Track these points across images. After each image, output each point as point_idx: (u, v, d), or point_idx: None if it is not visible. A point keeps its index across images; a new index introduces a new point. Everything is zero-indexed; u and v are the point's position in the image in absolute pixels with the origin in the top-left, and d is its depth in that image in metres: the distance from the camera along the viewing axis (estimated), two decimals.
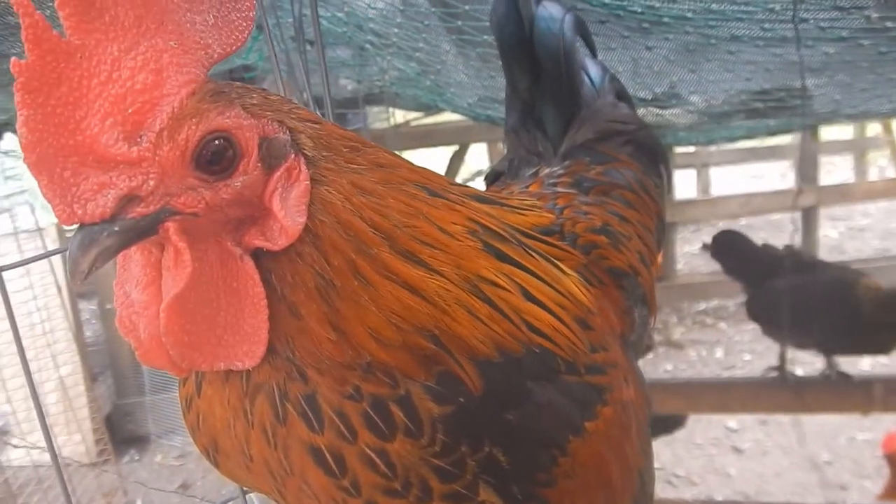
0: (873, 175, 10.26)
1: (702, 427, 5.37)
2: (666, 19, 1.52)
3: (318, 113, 1.93)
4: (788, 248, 3.83)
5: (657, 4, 1.38)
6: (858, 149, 9.22)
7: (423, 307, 0.74)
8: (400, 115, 4.91)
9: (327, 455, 0.72)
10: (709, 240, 9.97)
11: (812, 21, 1.38)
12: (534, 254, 0.91)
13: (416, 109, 4.16)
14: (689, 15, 1.45)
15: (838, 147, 9.30)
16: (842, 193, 7.04)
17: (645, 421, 1.01)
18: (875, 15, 1.33)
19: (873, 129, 9.09)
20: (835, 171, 10.53)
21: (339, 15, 2.14)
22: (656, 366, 6.29)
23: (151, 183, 0.64)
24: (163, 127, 0.64)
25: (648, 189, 1.32)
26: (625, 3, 1.43)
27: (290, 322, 0.71)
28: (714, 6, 1.35)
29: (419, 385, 0.73)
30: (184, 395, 0.85)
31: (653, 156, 1.36)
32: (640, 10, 1.48)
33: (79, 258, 0.62)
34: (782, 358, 3.55)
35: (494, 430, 0.75)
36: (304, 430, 0.72)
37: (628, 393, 0.93)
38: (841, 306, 3.29)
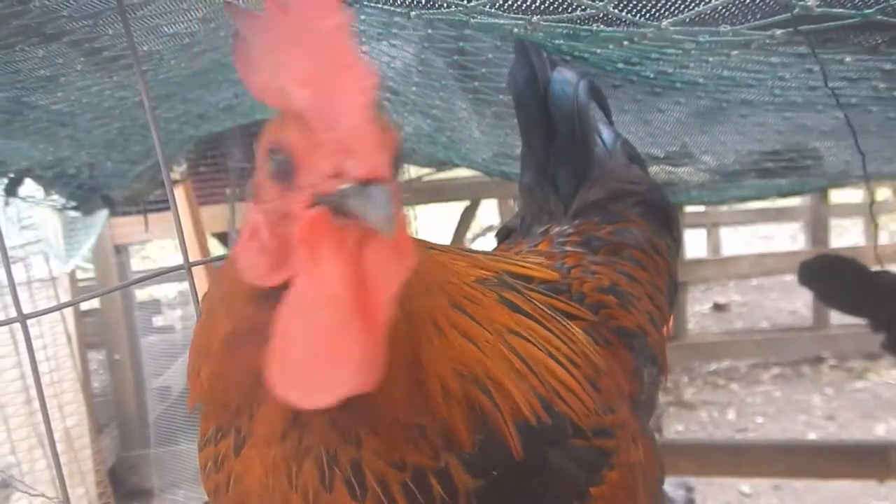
0: (884, 239, 10.25)
1: (714, 491, 5.26)
2: (678, 84, 1.57)
3: None
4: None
5: (669, 70, 1.43)
6: (867, 213, 9.23)
7: (478, 357, 0.77)
8: (413, 171, 4.98)
9: None
10: (721, 299, 9.85)
11: (821, 89, 1.42)
12: (546, 309, 0.92)
13: (430, 165, 4.23)
14: (701, 80, 1.49)
15: (848, 210, 9.31)
16: (853, 256, 7.01)
17: (656, 482, 1.00)
18: (882, 85, 1.38)
19: (883, 193, 9.11)
20: (845, 234, 10.54)
21: None
22: (667, 426, 6.21)
23: None
24: None
25: (659, 249, 1.33)
26: (637, 69, 1.48)
27: None
28: (725, 73, 1.40)
29: (456, 457, 0.74)
30: (211, 454, 0.83)
31: (664, 216, 1.38)
32: (652, 76, 1.53)
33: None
34: None
35: (519, 500, 0.76)
36: (346, 498, 0.73)
37: (636, 455, 0.93)
38: None
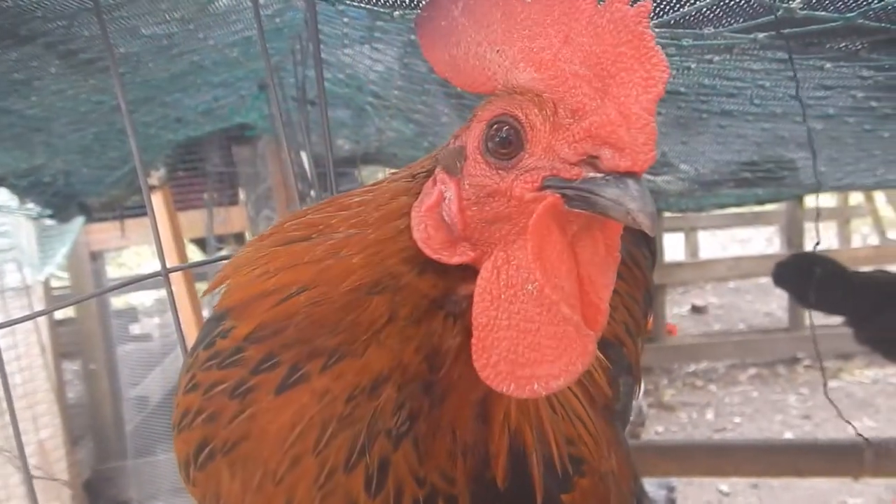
0: (856, 242, 10.43)
1: (694, 491, 5.31)
2: None
3: (316, 171, 1.97)
4: (881, 270, 3.64)
5: None
6: (842, 217, 9.40)
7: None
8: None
9: None
10: (699, 302, 9.94)
11: (801, 98, 1.44)
12: None
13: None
14: (682, 90, 1.50)
15: (823, 215, 9.49)
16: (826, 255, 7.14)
17: (629, 492, 0.99)
18: (860, 94, 1.39)
19: (856, 198, 9.29)
20: (818, 237, 10.68)
21: (341, 76, 2.20)
22: (648, 428, 6.26)
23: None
24: None
25: (637, 261, 1.35)
26: None
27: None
28: (706, 81, 1.41)
29: (469, 490, 0.73)
30: (236, 377, 0.75)
31: (641, 231, 1.38)
32: None
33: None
34: None
35: None
36: (359, 487, 0.71)
37: (609, 464, 0.92)
38: None
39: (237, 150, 4.64)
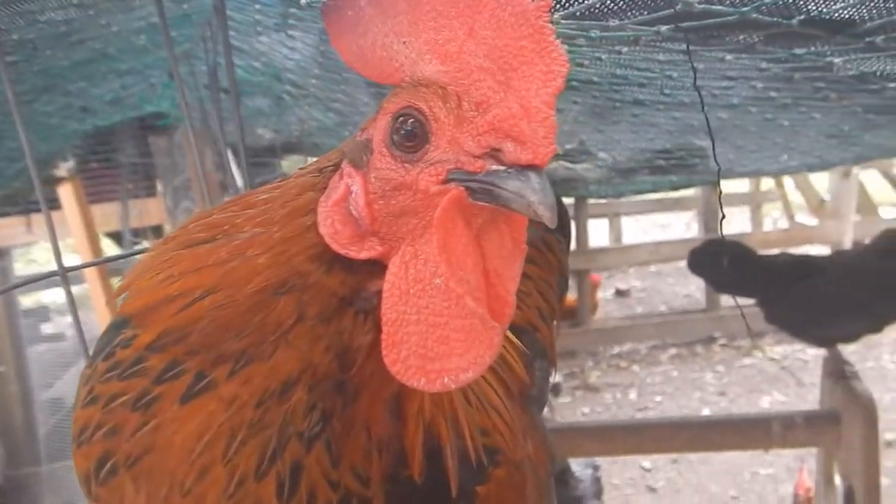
0: (768, 225, 10.91)
1: (618, 468, 5.48)
2: (574, 83, 1.60)
3: (233, 161, 1.93)
4: (786, 253, 3.80)
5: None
6: (754, 202, 9.79)
7: None
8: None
9: None
10: (623, 285, 10.21)
11: (706, 89, 1.49)
12: None
13: None
14: (596, 79, 1.53)
15: (737, 200, 9.88)
16: (736, 240, 7.44)
17: (546, 476, 1.00)
18: (760, 85, 1.45)
19: (767, 183, 9.70)
20: (734, 221, 11.12)
21: (256, 65, 2.15)
22: (574, 409, 6.40)
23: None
24: None
25: (552, 246, 1.36)
26: None
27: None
28: (617, 71, 1.44)
29: (383, 491, 0.72)
30: (138, 388, 0.71)
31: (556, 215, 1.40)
32: None
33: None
34: None
35: None
36: (271, 495, 0.69)
37: (525, 451, 0.93)
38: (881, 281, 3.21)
39: (153, 139, 4.49)
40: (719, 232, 1.48)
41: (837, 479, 3.42)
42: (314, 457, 0.69)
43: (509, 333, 1.07)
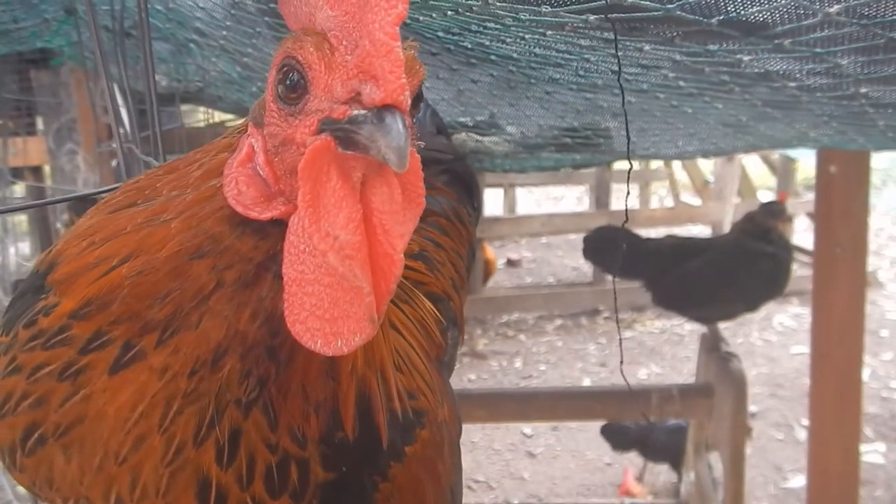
0: (654, 203, 11.43)
1: (500, 434, 5.66)
2: (493, 57, 1.61)
3: (132, 109, 1.82)
4: (670, 236, 3.95)
5: (487, 43, 1.46)
6: (643, 179, 10.22)
7: (379, 340, 0.75)
8: (217, 116, 4.73)
9: (214, 492, 0.68)
10: (514, 255, 10.42)
11: (621, 73, 1.53)
12: None
13: (236, 112, 4.04)
14: (515, 55, 1.55)
15: (626, 176, 10.26)
16: (628, 218, 7.78)
17: (457, 437, 1.04)
18: (671, 74, 1.52)
19: (656, 162, 10.14)
20: (623, 197, 11.56)
21: (160, 8, 2.03)
22: (461, 375, 6.54)
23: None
24: None
25: (462, 217, 1.39)
26: (456, 39, 1.50)
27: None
28: (538, 50, 1.46)
29: (318, 450, 0.72)
30: (62, 357, 0.69)
31: (467, 187, 1.44)
32: (470, 47, 1.56)
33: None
34: None
35: (356, 492, 0.76)
36: (211, 460, 0.68)
37: (443, 413, 0.96)
38: (758, 263, 3.41)
39: (36, 75, 4.18)
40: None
41: (706, 447, 3.69)
42: (252, 422, 0.69)
43: (427, 301, 1.10)
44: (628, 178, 1.43)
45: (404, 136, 0.57)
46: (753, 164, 9.71)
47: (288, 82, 0.63)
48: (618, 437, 4.50)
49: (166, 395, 0.67)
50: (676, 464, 4.39)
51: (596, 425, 5.41)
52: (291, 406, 0.70)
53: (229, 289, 0.67)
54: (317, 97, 0.62)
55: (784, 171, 9.23)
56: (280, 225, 0.67)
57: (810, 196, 3.17)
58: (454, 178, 1.39)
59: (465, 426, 1.09)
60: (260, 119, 0.68)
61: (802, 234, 8.31)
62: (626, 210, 1.44)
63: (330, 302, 0.64)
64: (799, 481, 4.71)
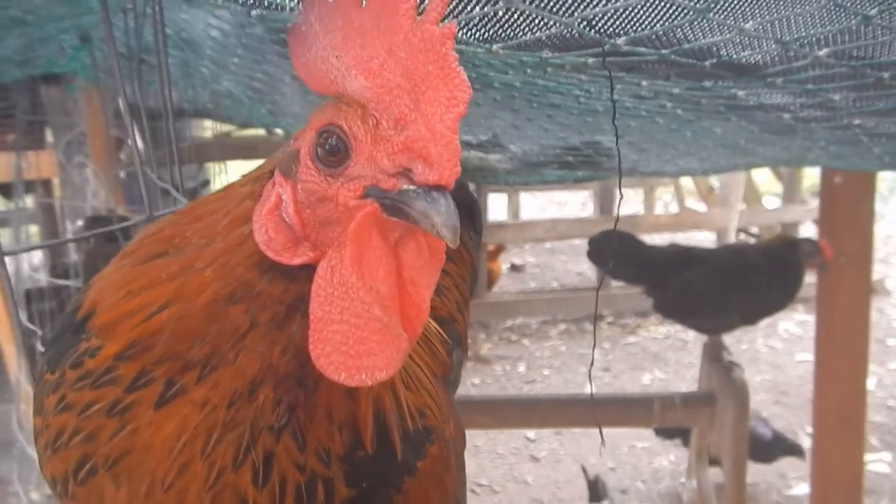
0: (659, 209, 11.45)
1: (503, 438, 5.69)
2: (496, 84, 1.67)
3: (146, 130, 1.88)
4: (673, 245, 3.97)
5: (491, 74, 1.52)
6: (648, 185, 10.24)
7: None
8: (221, 126, 4.79)
9: None
10: (518, 261, 10.41)
11: (620, 102, 1.59)
12: None
13: (244, 126, 4.10)
14: (518, 84, 1.60)
15: (631, 183, 10.27)
16: (633, 224, 7.81)
17: (462, 452, 1.09)
18: (669, 104, 1.57)
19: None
20: (628, 202, 11.59)
21: (171, 33, 2.09)
22: (464, 380, 6.55)
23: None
24: None
25: (465, 243, 1.46)
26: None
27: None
28: (539, 82, 1.51)
29: (342, 468, 0.78)
30: (110, 396, 0.76)
31: (469, 213, 1.50)
32: (473, 75, 1.61)
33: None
34: None
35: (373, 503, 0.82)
36: (248, 482, 0.74)
37: (449, 429, 1.01)
38: (769, 278, 3.41)
39: (46, 91, 4.25)
40: (615, 216, 1.58)
41: (707, 455, 3.72)
42: (283, 445, 0.75)
43: (434, 323, 1.16)
44: (619, 183, 1.48)
45: (455, 216, 0.65)
46: (759, 171, 9.71)
47: (327, 146, 0.70)
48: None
49: (207, 426, 0.73)
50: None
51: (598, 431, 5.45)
52: (317, 428, 0.77)
53: (262, 328, 0.74)
54: (358, 164, 0.69)
55: (790, 178, 9.25)
56: (307, 269, 0.73)
57: (815, 203, 3.17)
58: (457, 205, 1.44)
59: (468, 431, 1.15)
60: (290, 171, 0.74)
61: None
62: (617, 216, 1.49)
63: (355, 340, 0.71)
64: (802, 489, 4.74)
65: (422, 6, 0.67)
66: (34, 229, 5.38)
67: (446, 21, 0.67)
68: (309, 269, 0.73)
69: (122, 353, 0.75)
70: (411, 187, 0.66)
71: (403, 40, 0.67)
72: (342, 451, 0.78)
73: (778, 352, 7.26)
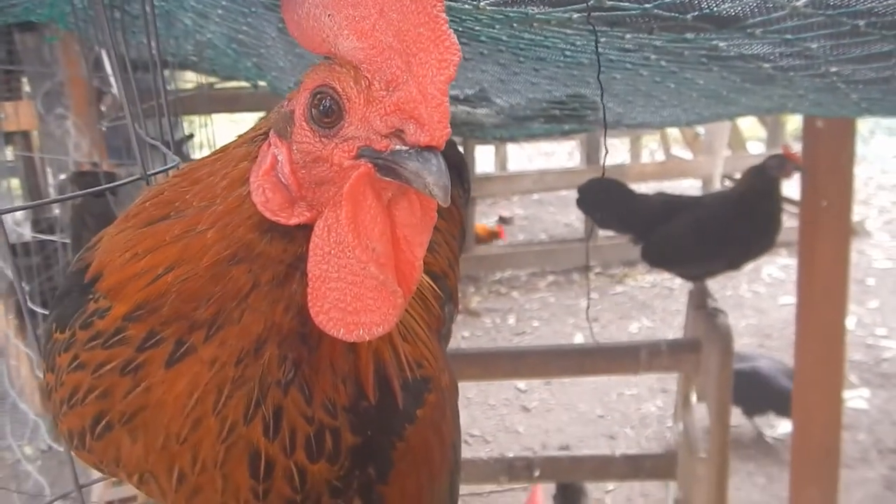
0: (645, 158, 11.48)
1: (495, 389, 5.81)
2: (483, 38, 1.67)
3: (131, 78, 1.88)
4: (660, 193, 3.99)
5: (477, 28, 1.52)
6: (634, 134, 10.25)
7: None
8: (204, 78, 4.72)
9: (263, 461, 0.78)
10: (506, 213, 10.41)
11: (604, 55, 1.60)
12: None
13: (229, 78, 4.05)
14: (504, 38, 1.61)
15: (616, 132, 10.27)
16: (620, 173, 7.85)
17: (455, 401, 1.13)
18: (653, 56, 1.59)
19: None
20: (614, 152, 11.60)
21: None
22: (455, 333, 6.65)
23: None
24: None
25: (454, 200, 1.48)
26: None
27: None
28: (526, 35, 1.52)
29: (347, 418, 0.82)
30: (122, 355, 0.78)
31: (457, 171, 1.53)
32: (460, 30, 1.62)
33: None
34: None
35: (379, 453, 0.87)
36: (259, 435, 0.78)
37: (445, 379, 1.05)
38: (749, 217, 3.41)
39: (21, 38, 4.16)
40: (601, 166, 1.61)
41: (693, 399, 3.82)
42: (291, 399, 0.79)
43: (427, 278, 1.20)
44: (604, 138, 1.51)
45: (447, 175, 0.67)
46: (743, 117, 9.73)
47: (321, 108, 0.71)
48: None
49: (217, 383, 0.77)
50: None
51: (588, 379, 5.57)
52: (322, 381, 0.80)
53: (265, 288, 0.77)
54: (352, 125, 0.71)
55: (773, 123, 9.27)
56: (304, 229, 0.76)
57: (799, 147, 3.22)
58: (446, 164, 1.47)
59: (460, 384, 1.20)
60: (285, 132, 0.76)
61: (790, 185, 8.39)
62: (603, 168, 1.52)
63: (353, 297, 0.74)
64: (785, 428, 4.89)
65: None
66: (15, 182, 5.31)
67: None
68: (306, 229, 0.76)
69: (130, 315, 0.78)
70: (404, 148, 0.68)
71: (396, 1, 0.68)
72: (347, 402, 0.82)
73: (761, 296, 7.40)
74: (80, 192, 2.30)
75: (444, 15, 0.67)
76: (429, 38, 0.67)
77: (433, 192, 0.67)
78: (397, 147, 0.68)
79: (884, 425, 5.17)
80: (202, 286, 0.76)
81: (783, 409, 4.46)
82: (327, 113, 0.71)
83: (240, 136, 0.86)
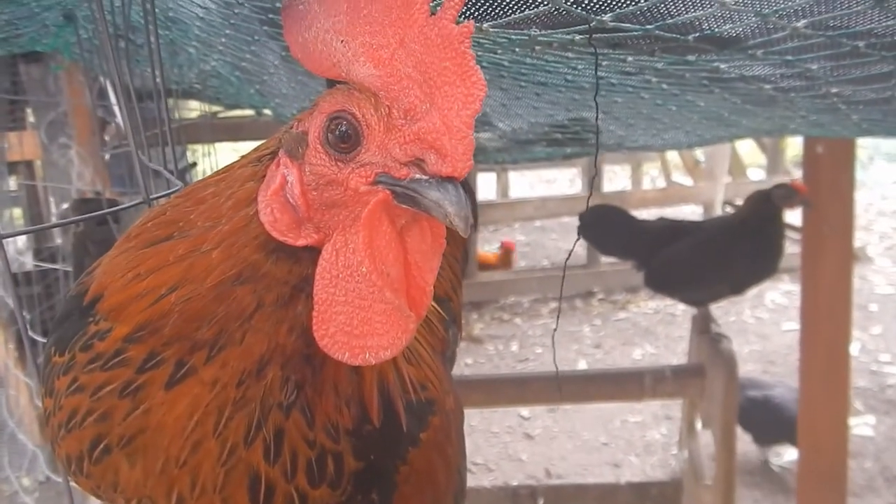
0: (647, 184, 11.52)
1: (498, 417, 5.75)
2: (484, 63, 1.69)
3: (135, 106, 1.89)
4: (662, 218, 3.98)
5: (479, 53, 1.54)
6: (635, 160, 10.30)
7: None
8: (207, 107, 4.76)
9: (263, 486, 0.77)
10: (508, 240, 10.41)
11: (605, 79, 1.61)
12: None
13: (233, 107, 4.08)
14: (506, 63, 1.62)
15: (618, 159, 10.34)
16: (621, 200, 7.87)
17: (461, 424, 1.13)
18: (654, 79, 1.60)
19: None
20: (615, 179, 11.65)
21: (159, 15, 2.09)
22: (458, 360, 6.62)
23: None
24: None
25: None
26: None
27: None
28: (527, 60, 1.54)
29: (350, 443, 0.81)
30: (122, 377, 0.77)
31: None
32: None
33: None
34: None
35: (382, 477, 0.86)
36: (260, 458, 0.77)
37: (449, 402, 1.04)
38: (752, 242, 3.40)
39: (26, 69, 4.20)
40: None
41: (699, 426, 3.78)
42: (293, 421, 0.78)
43: (433, 303, 1.19)
44: (595, 159, 1.51)
45: (467, 206, 0.67)
46: (743, 143, 9.78)
47: (338, 133, 0.72)
48: None
49: (218, 404, 0.76)
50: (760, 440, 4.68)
51: (592, 406, 5.52)
52: (325, 404, 0.79)
53: (269, 308, 0.76)
54: (370, 151, 0.71)
55: (773, 150, 9.30)
56: (310, 250, 0.76)
57: (799, 174, 3.22)
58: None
59: (464, 411, 1.19)
60: (297, 153, 0.75)
61: (791, 212, 8.40)
62: (591, 191, 1.52)
63: (360, 321, 0.73)
64: (791, 455, 4.83)
65: (435, 1, 0.69)
66: (18, 212, 5.33)
67: (462, 19, 0.69)
68: (312, 251, 0.75)
69: (131, 336, 0.77)
70: (423, 177, 0.68)
71: (418, 34, 0.68)
72: (350, 426, 0.81)
73: (765, 322, 7.36)
74: (83, 216, 2.31)
75: (470, 51, 0.68)
76: (455, 72, 0.67)
77: (454, 221, 0.67)
78: (417, 176, 0.68)
79: (890, 452, 5.11)
80: (205, 306, 0.76)
81: (794, 439, 4.42)
82: (344, 138, 0.71)
83: (243, 157, 0.86)
